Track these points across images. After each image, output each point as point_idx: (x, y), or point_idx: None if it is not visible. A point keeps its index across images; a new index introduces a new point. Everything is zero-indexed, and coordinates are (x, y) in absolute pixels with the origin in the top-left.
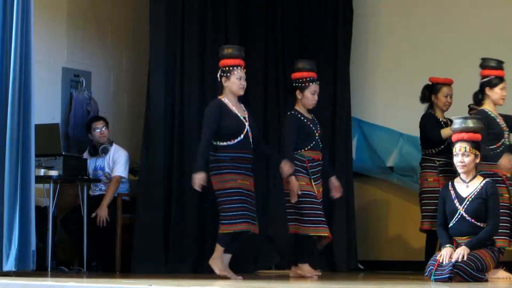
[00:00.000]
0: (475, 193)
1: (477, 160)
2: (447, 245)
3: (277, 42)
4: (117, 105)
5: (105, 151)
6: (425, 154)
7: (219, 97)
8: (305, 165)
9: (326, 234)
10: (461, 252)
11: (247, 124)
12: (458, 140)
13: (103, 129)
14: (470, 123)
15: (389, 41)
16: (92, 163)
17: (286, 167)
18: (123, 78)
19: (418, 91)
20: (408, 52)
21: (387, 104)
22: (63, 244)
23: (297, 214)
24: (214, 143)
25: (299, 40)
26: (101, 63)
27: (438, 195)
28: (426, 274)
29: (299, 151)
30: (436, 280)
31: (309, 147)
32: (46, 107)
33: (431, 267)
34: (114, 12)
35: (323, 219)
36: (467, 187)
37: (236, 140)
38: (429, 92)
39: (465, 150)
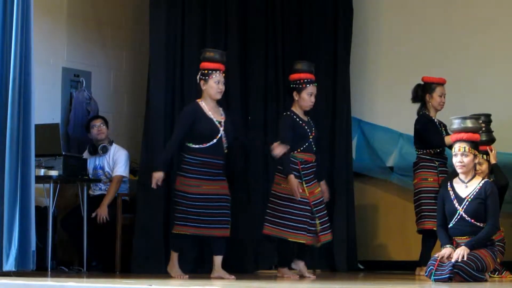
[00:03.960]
0: (474, 193)
1: (476, 160)
2: (447, 245)
3: (277, 42)
4: (117, 105)
5: (105, 150)
6: (423, 154)
7: (197, 100)
8: (297, 167)
9: (303, 241)
10: (461, 252)
11: (221, 129)
12: (457, 140)
13: (101, 126)
14: (469, 123)
15: (389, 41)
16: (91, 162)
17: (278, 148)
18: (123, 78)
19: None
20: (408, 52)
21: (387, 104)
22: (63, 244)
23: (279, 217)
24: (187, 144)
25: (299, 40)
26: (101, 63)
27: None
28: (426, 274)
29: (292, 152)
30: (436, 280)
31: (301, 148)
32: (46, 107)
33: (431, 267)
34: (114, 12)
35: (305, 226)
36: (466, 187)
37: (208, 144)
38: (422, 91)
39: (464, 150)
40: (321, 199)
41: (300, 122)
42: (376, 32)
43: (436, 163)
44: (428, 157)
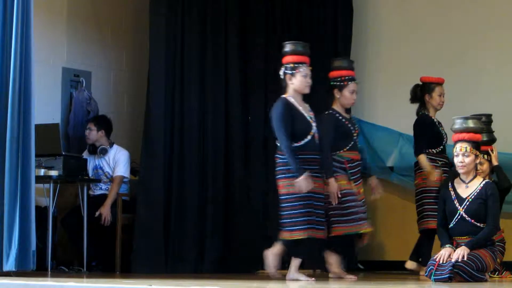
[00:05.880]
0: (475, 193)
1: (478, 161)
2: (446, 245)
3: (277, 41)
4: (117, 105)
5: (103, 152)
6: (425, 154)
7: (284, 95)
8: (344, 166)
9: (368, 230)
10: (461, 252)
11: (314, 124)
12: (458, 140)
13: (89, 131)
14: (471, 123)
15: (389, 40)
16: (92, 162)
17: (333, 185)
18: (123, 78)
19: None
20: (408, 52)
21: (387, 104)
22: (63, 244)
23: (342, 215)
24: (279, 144)
25: (299, 39)
26: (101, 63)
27: None
28: (426, 274)
29: (338, 152)
30: (436, 280)
31: (347, 147)
32: (46, 107)
33: (431, 267)
34: (114, 12)
35: (365, 216)
36: (466, 187)
37: (303, 142)
38: (421, 91)
39: (466, 150)
40: (363, 200)
41: (343, 120)
42: (376, 32)
43: (439, 162)
44: (431, 157)
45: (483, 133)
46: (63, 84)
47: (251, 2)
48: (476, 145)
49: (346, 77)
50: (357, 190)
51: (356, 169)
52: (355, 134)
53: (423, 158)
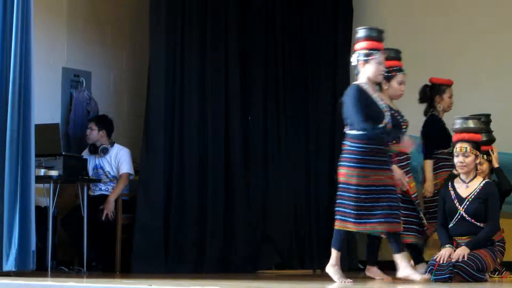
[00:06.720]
0: (475, 193)
1: (478, 161)
2: (446, 245)
3: (277, 42)
4: (117, 105)
5: (105, 151)
6: (440, 154)
7: (356, 82)
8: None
9: (409, 241)
10: (461, 253)
11: (387, 114)
12: (458, 140)
13: (89, 131)
14: (471, 124)
15: (388, 41)
16: (92, 161)
17: (398, 172)
18: (123, 78)
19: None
20: (408, 52)
21: None
22: (63, 244)
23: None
24: (350, 132)
25: (299, 40)
26: (101, 63)
27: None
28: (426, 274)
29: None
30: (436, 280)
31: (396, 140)
32: (46, 107)
33: (431, 267)
34: (114, 12)
35: (410, 226)
36: (466, 187)
37: None
38: (431, 93)
39: (466, 151)
40: (415, 194)
41: (392, 112)
42: None
43: (451, 161)
44: (445, 156)
45: (483, 133)
46: (63, 84)
47: (251, 2)
48: (476, 145)
49: (394, 68)
50: (408, 184)
51: (405, 163)
52: (404, 126)
53: (429, 165)
